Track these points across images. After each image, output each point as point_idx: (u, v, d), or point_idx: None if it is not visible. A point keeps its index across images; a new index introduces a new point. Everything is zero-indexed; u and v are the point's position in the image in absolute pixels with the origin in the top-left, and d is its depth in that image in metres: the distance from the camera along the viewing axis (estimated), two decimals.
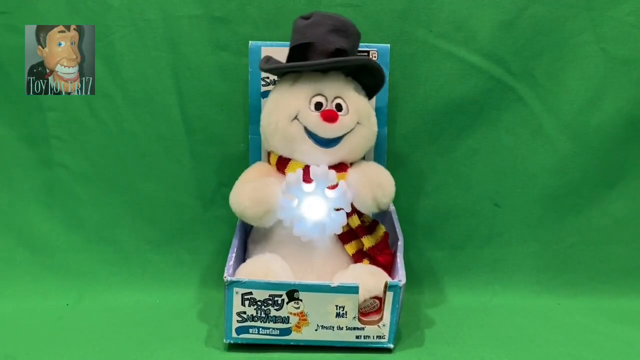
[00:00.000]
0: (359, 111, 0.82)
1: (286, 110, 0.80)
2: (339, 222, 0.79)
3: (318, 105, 0.80)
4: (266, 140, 0.84)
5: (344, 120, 0.80)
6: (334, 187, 0.78)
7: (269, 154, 0.87)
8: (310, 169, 0.79)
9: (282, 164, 0.83)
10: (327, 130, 0.79)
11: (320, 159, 0.81)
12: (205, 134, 0.98)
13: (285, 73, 0.83)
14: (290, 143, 0.81)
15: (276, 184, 0.80)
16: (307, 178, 0.79)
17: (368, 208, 0.81)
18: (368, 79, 0.84)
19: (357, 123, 0.82)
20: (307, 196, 0.78)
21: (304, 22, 0.81)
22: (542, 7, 0.94)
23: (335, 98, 0.81)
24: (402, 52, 0.96)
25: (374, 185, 0.80)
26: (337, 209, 0.79)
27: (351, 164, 0.85)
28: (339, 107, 0.81)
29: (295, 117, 0.80)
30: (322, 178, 0.77)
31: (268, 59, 0.84)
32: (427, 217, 1.00)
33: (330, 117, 0.79)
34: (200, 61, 0.96)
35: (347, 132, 0.81)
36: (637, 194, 0.98)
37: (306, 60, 0.80)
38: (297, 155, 0.82)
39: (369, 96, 0.86)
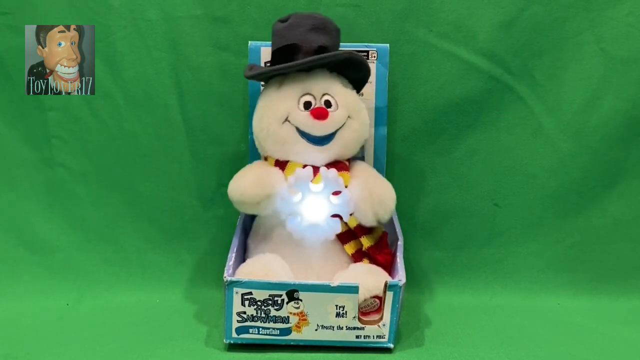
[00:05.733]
0: (348, 105, 0.82)
1: (276, 114, 0.80)
2: (334, 229, 0.79)
3: (307, 105, 0.81)
4: (260, 147, 0.84)
5: (335, 116, 0.80)
6: (338, 193, 0.78)
7: (265, 159, 0.86)
8: (321, 170, 0.79)
9: (280, 166, 0.82)
10: (318, 128, 0.80)
11: (316, 158, 0.81)
12: (205, 134, 0.98)
13: (271, 77, 0.83)
14: (284, 146, 0.81)
15: (280, 174, 0.80)
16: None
17: (367, 222, 0.81)
18: (353, 73, 0.84)
19: (348, 117, 0.82)
20: (311, 195, 0.78)
21: (282, 25, 0.82)
22: (541, 8, 0.95)
23: (323, 95, 0.81)
24: (402, 52, 0.96)
25: (376, 203, 0.80)
26: (335, 216, 0.79)
27: (349, 161, 0.85)
28: (328, 104, 0.81)
29: (286, 119, 0.80)
30: (332, 182, 0.77)
31: (252, 67, 0.85)
32: (427, 217, 1.00)
33: (320, 114, 0.79)
34: (201, 61, 0.96)
35: (339, 128, 0.81)
36: (637, 194, 0.98)
37: (291, 62, 0.80)
38: (293, 156, 0.82)
39: (357, 90, 0.86)
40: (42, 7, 0.94)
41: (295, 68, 0.80)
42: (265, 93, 0.84)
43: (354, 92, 0.85)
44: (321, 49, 0.80)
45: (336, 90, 0.82)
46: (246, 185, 0.79)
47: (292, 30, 0.80)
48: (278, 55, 0.82)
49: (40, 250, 0.97)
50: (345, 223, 0.81)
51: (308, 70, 0.81)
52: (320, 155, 0.81)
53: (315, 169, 0.80)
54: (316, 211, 0.79)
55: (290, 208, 0.78)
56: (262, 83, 0.90)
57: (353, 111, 0.82)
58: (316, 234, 0.79)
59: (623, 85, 0.96)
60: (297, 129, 0.80)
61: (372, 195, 0.80)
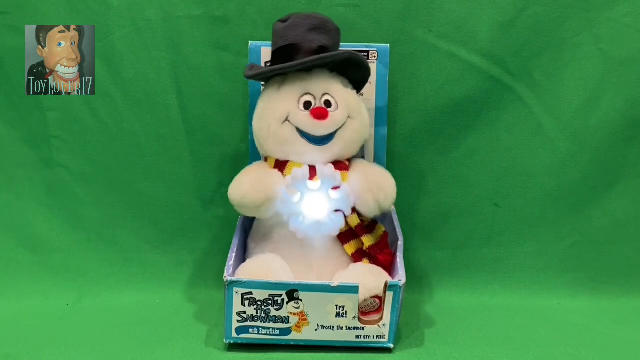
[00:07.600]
0: (348, 105, 0.82)
1: (276, 113, 0.80)
2: (337, 224, 0.79)
3: (307, 105, 0.81)
4: (260, 146, 0.84)
5: (335, 116, 0.80)
6: (337, 188, 0.78)
7: (265, 159, 0.86)
8: (317, 167, 0.79)
9: (280, 166, 0.83)
10: (318, 127, 0.80)
11: (316, 157, 0.81)
12: (205, 134, 0.98)
13: (271, 77, 0.83)
14: (284, 145, 0.81)
15: (278, 175, 0.80)
16: (310, 176, 0.79)
17: (371, 211, 0.81)
18: (354, 73, 0.84)
19: (348, 117, 0.82)
20: (310, 193, 0.78)
21: (282, 25, 0.82)
22: (540, 8, 0.95)
23: (323, 95, 0.81)
24: (402, 52, 0.96)
25: (376, 189, 0.80)
26: (337, 211, 0.79)
27: (349, 160, 0.85)
28: (328, 104, 0.81)
29: (286, 119, 0.80)
30: (329, 178, 0.78)
31: (252, 66, 0.85)
32: (427, 217, 1.00)
33: (320, 114, 0.79)
34: (200, 61, 0.96)
35: (339, 128, 0.81)
36: (637, 194, 0.99)
37: (291, 62, 0.80)
38: (293, 156, 0.82)
39: (357, 90, 0.86)
40: (40, 7, 0.94)
41: (295, 68, 0.80)
42: (265, 93, 0.84)
43: (355, 92, 0.85)
44: (321, 49, 0.80)
45: (336, 90, 0.82)
46: (246, 190, 0.79)
47: (292, 30, 0.81)
48: (278, 55, 0.82)
49: (40, 250, 0.97)
50: (346, 222, 0.81)
51: (308, 70, 0.82)
52: (321, 155, 0.81)
53: (313, 168, 0.80)
54: (317, 208, 0.79)
55: (291, 208, 0.78)
56: (263, 83, 0.90)
57: (353, 111, 0.82)
58: (320, 231, 0.79)
59: (622, 86, 0.96)
60: (297, 129, 0.80)
61: (371, 182, 0.80)
